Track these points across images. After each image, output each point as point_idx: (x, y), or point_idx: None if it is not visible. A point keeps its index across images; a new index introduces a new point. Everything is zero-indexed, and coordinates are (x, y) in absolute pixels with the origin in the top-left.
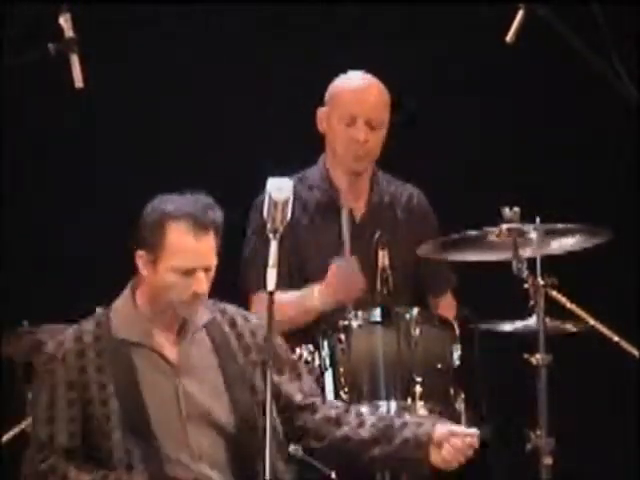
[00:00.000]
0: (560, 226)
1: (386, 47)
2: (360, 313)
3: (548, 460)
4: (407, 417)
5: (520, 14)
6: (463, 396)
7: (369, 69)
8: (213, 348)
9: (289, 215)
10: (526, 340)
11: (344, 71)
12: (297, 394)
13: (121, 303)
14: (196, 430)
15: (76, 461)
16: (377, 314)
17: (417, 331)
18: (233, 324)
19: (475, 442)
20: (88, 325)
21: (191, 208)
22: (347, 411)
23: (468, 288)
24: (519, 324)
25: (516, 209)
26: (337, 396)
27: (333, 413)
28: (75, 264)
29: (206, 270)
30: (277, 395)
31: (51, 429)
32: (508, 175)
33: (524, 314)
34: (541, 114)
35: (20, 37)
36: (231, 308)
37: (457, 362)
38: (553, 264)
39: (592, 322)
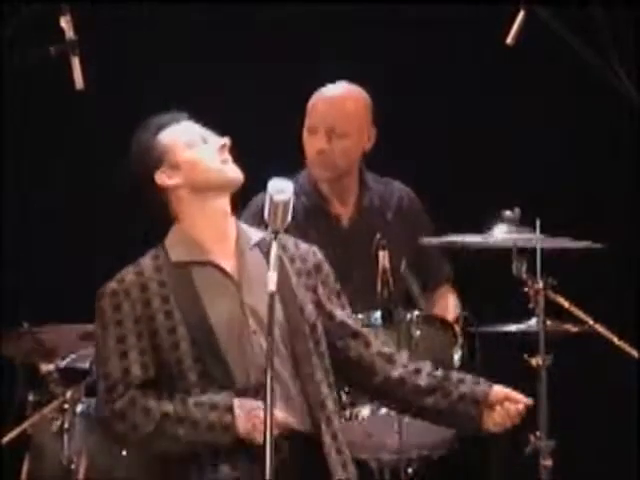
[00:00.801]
0: (560, 228)
1: (386, 47)
2: (360, 315)
3: (548, 462)
4: (463, 374)
5: (520, 16)
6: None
7: (368, 69)
8: (267, 265)
9: (290, 216)
10: (526, 342)
11: (343, 73)
12: (350, 320)
13: (171, 235)
14: (261, 344)
15: (153, 392)
16: (378, 316)
17: (417, 333)
18: (284, 248)
19: (523, 410)
20: (146, 260)
21: (163, 119)
22: (398, 352)
23: (468, 290)
24: (519, 326)
25: (516, 210)
26: (338, 397)
27: (387, 350)
28: (75, 264)
29: (212, 135)
30: (331, 320)
31: (124, 363)
32: (508, 176)
33: (524, 316)
34: (541, 114)
35: (21, 39)
36: (282, 234)
37: (457, 364)
38: (553, 266)
39: (592, 323)
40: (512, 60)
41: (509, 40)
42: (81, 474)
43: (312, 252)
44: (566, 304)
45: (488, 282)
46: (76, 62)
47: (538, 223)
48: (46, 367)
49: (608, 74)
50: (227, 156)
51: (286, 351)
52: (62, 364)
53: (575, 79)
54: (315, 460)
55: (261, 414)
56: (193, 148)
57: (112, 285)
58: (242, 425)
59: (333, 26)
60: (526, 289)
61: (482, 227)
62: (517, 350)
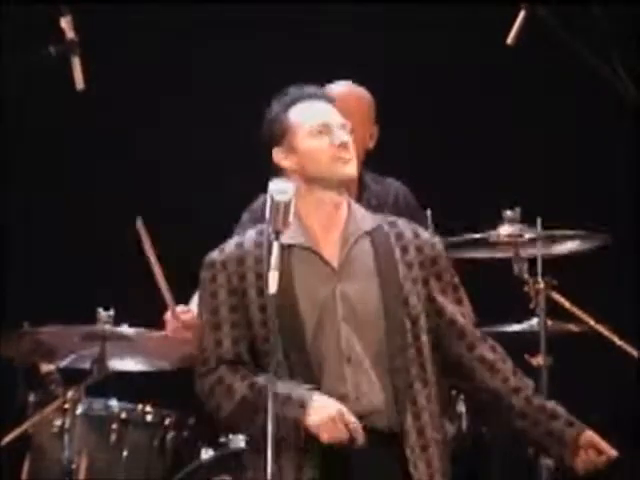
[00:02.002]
0: (560, 228)
1: (386, 47)
2: None
3: (548, 461)
4: (559, 408)
5: (521, 16)
6: (463, 398)
7: (368, 69)
8: (374, 255)
9: (291, 217)
10: (527, 341)
11: (343, 73)
12: (459, 316)
13: None
14: (348, 332)
15: (242, 370)
16: None
17: None
18: (400, 237)
19: (603, 462)
20: (250, 233)
21: (299, 92)
22: (504, 361)
23: (469, 290)
24: (520, 326)
25: (517, 210)
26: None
27: (491, 357)
28: (75, 265)
29: (342, 126)
30: (440, 315)
31: (217, 335)
32: (508, 176)
33: (525, 316)
34: (541, 114)
35: (21, 39)
36: (403, 222)
37: None
38: (553, 265)
39: (592, 323)
40: (512, 60)
41: (509, 40)
42: (81, 474)
43: (431, 244)
44: (567, 304)
45: (489, 282)
46: (76, 62)
47: (539, 222)
48: (46, 367)
49: (608, 73)
50: (344, 154)
51: (377, 342)
52: (62, 364)
53: (575, 79)
54: (397, 455)
55: (333, 412)
56: (314, 137)
57: (212, 255)
58: (311, 421)
59: (333, 26)
60: (527, 289)
61: (482, 227)
62: (518, 350)
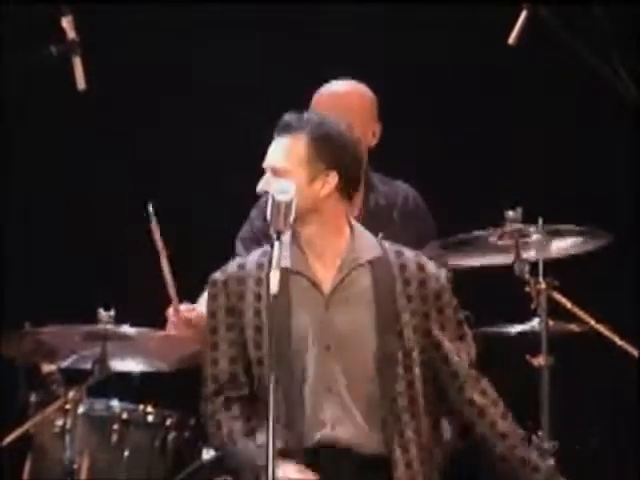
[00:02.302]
0: (562, 226)
1: (386, 47)
2: None
3: (550, 462)
4: (541, 462)
5: (522, 16)
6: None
7: (368, 69)
8: (372, 285)
9: (292, 217)
10: (528, 342)
11: (344, 72)
12: (455, 355)
13: (287, 236)
14: (331, 361)
15: (234, 408)
16: None
17: None
18: (404, 268)
19: None
20: (255, 254)
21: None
22: (495, 405)
23: (469, 290)
24: (521, 326)
25: (518, 210)
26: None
27: (480, 400)
28: (76, 265)
29: (270, 170)
30: (437, 350)
31: (213, 354)
32: (509, 176)
33: (527, 316)
34: (542, 114)
35: (22, 39)
36: (409, 253)
37: None
38: (555, 266)
39: (593, 323)
40: (512, 60)
41: (511, 40)
42: (83, 475)
43: (436, 277)
44: (568, 304)
45: (490, 282)
46: (77, 62)
47: (540, 222)
48: (48, 368)
49: (609, 73)
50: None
51: (364, 372)
52: (64, 365)
53: (576, 79)
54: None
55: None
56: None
57: (215, 275)
58: None
59: (333, 26)
60: (528, 289)
61: (484, 228)
62: (519, 350)
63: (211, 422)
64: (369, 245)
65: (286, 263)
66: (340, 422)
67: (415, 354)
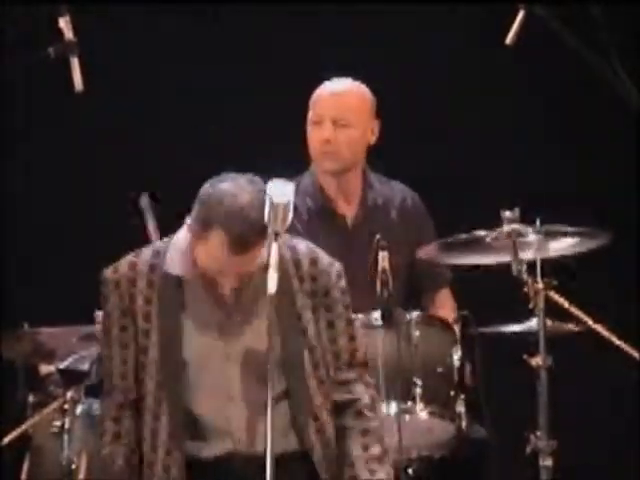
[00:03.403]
0: (559, 228)
1: (386, 47)
2: (360, 315)
3: (548, 462)
4: (358, 460)
5: (520, 16)
6: (463, 398)
7: (368, 70)
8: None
9: (290, 218)
10: (526, 342)
11: (343, 72)
12: (332, 356)
13: (180, 237)
14: (233, 369)
15: (124, 420)
16: (377, 316)
17: (417, 333)
18: (298, 265)
19: None
20: (147, 253)
21: (238, 224)
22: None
23: (468, 290)
24: (519, 326)
25: (516, 210)
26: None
27: (338, 397)
28: (75, 265)
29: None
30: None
31: (108, 352)
32: (508, 177)
33: (524, 316)
34: (541, 115)
35: (20, 40)
36: (303, 248)
37: (457, 364)
38: (553, 266)
39: (591, 324)
40: (512, 60)
41: (508, 40)
42: (81, 474)
43: (327, 273)
44: (566, 304)
45: (488, 283)
46: (75, 63)
47: (538, 223)
48: (46, 368)
49: (608, 73)
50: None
51: (269, 376)
52: (62, 365)
53: (575, 79)
54: (309, 470)
55: None
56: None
57: (107, 273)
58: None
59: (333, 26)
60: (526, 289)
61: (481, 229)
62: (517, 350)
63: (101, 427)
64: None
65: (177, 271)
66: (248, 430)
67: (320, 350)
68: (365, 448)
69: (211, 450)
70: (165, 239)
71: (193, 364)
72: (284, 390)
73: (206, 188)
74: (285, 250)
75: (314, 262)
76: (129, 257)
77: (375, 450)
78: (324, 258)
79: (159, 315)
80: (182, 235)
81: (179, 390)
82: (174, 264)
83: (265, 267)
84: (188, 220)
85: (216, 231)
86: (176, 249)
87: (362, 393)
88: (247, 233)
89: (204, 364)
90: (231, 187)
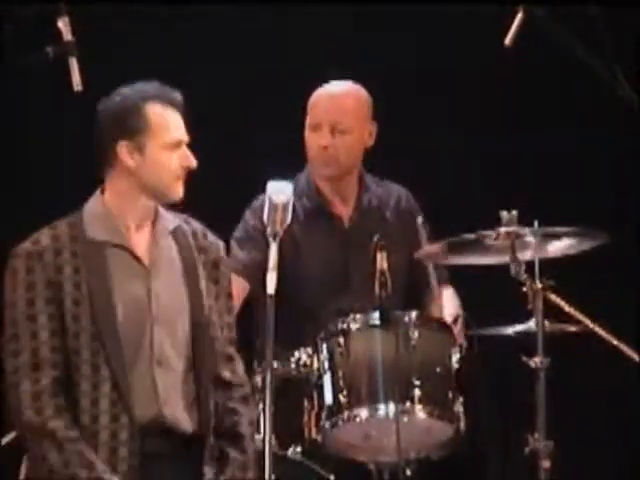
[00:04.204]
0: (557, 229)
1: (386, 47)
2: (359, 316)
3: (546, 463)
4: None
5: (519, 17)
6: (462, 399)
7: (367, 70)
8: (179, 254)
9: (289, 218)
10: (525, 343)
11: (343, 73)
12: (218, 329)
13: (92, 205)
14: (159, 333)
15: (65, 414)
16: (376, 317)
17: (416, 334)
18: (195, 236)
19: None
20: (62, 226)
21: (159, 89)
22: (242, 385)
23: (466, 291)
24: (518, 327)
25: (514, 212)
26: (336, 399)
27: (227, 375)
28: None
29: (187, 146)
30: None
31: (32, 327)
32: (506, 178)
33: (522, 317)
34: (540, 116)
35: (18, 40)
36: (193, 221)
37: (456, 365)
38: (551, 266)
39: (590, 325)
40: (512, 60)
41: (507, 41)
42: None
43: (216, 246)
44: (565, 305)
45: (486, 284)
46: (74, 64)
47: (536, 223)
48: None
49: (607, 75)
50: (183, 174)
51: (185, 343)
52: None
53: (574, 79)
54: (197, 456)
55: None
56: (167, 150)
57: (26, 246)
58: None
59: (333, 26)
60: (524, 290)
61: (480, 230)
62: (515, 351)
63: (26, 399)
64: (168, 216)
65: (102, 237)
66: (170, 396)
67: (215, 322)
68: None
69: (141, 416)
70: (71, 213)
71: (125, 326)
72: (191, 362)
73: (114, 104)
74: (181, 222)
75: (205, 235)
76: (45, 230)
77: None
78: (210, 232)
79: (88, 282)
80: (93, 204)
81: (118, 354)
82: (96, 231)
83: (169, 232)
84: (97, 192)
85: (151, 105)
86: (92, 217)
87: (244, 375)
88: (169, 92)
89: (133, 327)
90: (130, 86)
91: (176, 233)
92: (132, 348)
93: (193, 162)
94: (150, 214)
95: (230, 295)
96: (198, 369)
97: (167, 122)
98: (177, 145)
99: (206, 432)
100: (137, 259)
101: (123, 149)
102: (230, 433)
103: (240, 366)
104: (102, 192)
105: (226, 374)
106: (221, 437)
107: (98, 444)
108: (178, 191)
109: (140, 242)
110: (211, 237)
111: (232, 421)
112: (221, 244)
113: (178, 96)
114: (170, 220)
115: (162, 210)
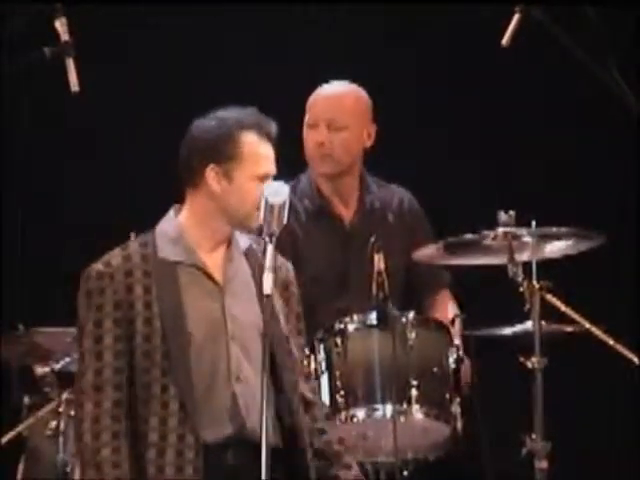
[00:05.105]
0: (555, 229)
1: (385, 47)
2: (356, 317)
3: (543, 464)
4: (351, 461)
5: (516, 17)
6: (459, 400)
7: (367, 70)
8: (252, 275)
9: (285, 219)
10: (522, 344)
11: (343, 73)
12: (295, 349)
13: (166, 226)
14: (236, 350)
15: (124, 405)
16: (373, 318)
17: (413, 335)
18: (264, 257)
19: None
20: (134, 245)
21: (256, 118)
22: (319, 406)
23: (464, 292)
24: (515, 328)
25: (511, 213)
26: (333, 400)
27: (309, 396)
28: (72, 267)
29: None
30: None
31: (98, 347)
32: (504, 179)
33: (520, 318)
34: (538, 117)
35: (16, 40)
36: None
37: (453, 366)
38: (549, 267)
39: (587, 325)
40: (512, 60)
41: (504, 41)
42: (76, 476)
43: (286, 267)
44: (562, 307)
45: (484, 284)
46: (71, 64)
47: (534, 224)
48: (41, 370)
49: (604, 74)
50: (260, 206)
51: (260, 360)
52: (57, 367)
53: (572, 79)
54: (282, 471)
55: None
56: (253, 181)
57: (98, 267)
58: None
59: (333, 26)
60: (522, 290)
61: (478, 231)
62: (513, 352)
63: (87, 421)
64: (241, 236)
65: (175, 257)
66: (252, 410)
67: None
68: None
69: (217, 433)
70: (144, 233)
71: (197, 346)
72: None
73: (209, 128)
74: (254, 243)
75: (274, 255)
76: (117, 251)
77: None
78: (280, 254)
79: (159, 301)
80: (167, 224)
81: (187, 373)
82: (168, 251)
83: (242, 253)
84: (171, 212)
85: (247, 133)
86: (165, 238)
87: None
88: (265, 121)
89: (209, 345)
90: (229, 110)
91: (248, 253)
92: (208, 365)
93: (272, 198)
94: (226, 238)
95: (300, 316)
96: (280, 386)
97: (260, 154)
98: (265, 177)
99: (292, 446)
100: (211, 278)
101: (211, 173)
102: (327, 453)
103: (316, 385)
104: (177, 212)
105: (308, 394)
106: (318, 458)
107: (165, 463)
108: (256, 221)
109: (214, 262)
110: (280, 258)
111: (323, 441)
112: (290, 265)
113: (274, 127)
114: (243, 240)
115: (237, 233)
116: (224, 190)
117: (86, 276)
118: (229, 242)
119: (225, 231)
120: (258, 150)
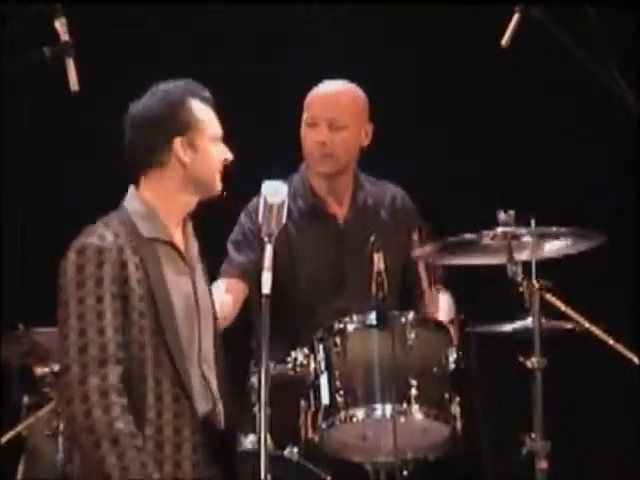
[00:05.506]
0: (555, 229)
1: (385, 47)
2: (355, 316)
3: (543, 464)
4: None
5: (516, 17)
6: (458, 400)
7: (367, 69)
8: (200, 254)
9: (284, 218)
10: (521, 343)
11: (343, 73)
12: None
13: (133, 204)
14: (202, 330)
15: (126, 379)
16: (372, 317)
17: (412, 334)
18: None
19: None
20: (115, 223)
21: (193, 85)
22: None
23: (463, 291)
24: (514, 327)
25: (511, 212)
26: (332, 400)
27: None
28: None
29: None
30: None
31: (100, 323)
32: (504, 178)
33: (519, 317)
34: (538, 117)
35: (16, 40)
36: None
37: (452, 366)
38: (548, 267)
39: (587, 325)
40: (512, 60)
41: (504, 42)
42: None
43: None
44: (562, 306)
45: (483, 284)
46: (70, 64)
47: (533, 223)
48: (41, 370)
49: (604, 74)
50: (221, 168)
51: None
52: (57, 367)
53: (572, 79)
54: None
55: None
56: (213, 144)
57: (94, 242)
58: None
59: (333, 26)
60: (521, 290)
61: (477, 230)
62: (512, 352)
63: (94, 396)
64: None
65: (152, 234)
66: (216, 391)
67: None
68: None
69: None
70: (110, 213)
71: (181, 320)
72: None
73: (161, 103)
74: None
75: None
76: (101, 229)
77: None
78: None
79: (148, 278)
80: (135, 203)
81: (178, 351)
82: (145, 229)
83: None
84: (133, 192)
85: (194, 101)
86: (139, 215)
87: None
88: (202, 88)
89: (188, 320)
90: (165, 84)
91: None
92: (187, 344)
93: (230, 155)
94: (188, 211)
95: None
96: (220, 366)
97: (210, 116)
98: (220, 139)
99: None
100: (182, 256)
101: (179, 146)
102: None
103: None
104: (140, 189)
105: None
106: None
107: (164, 440)
108: (219, 184)
109: (179, 240)
110: None
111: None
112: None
113: (208, 92)
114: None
115: None
116: (192, 160)
117: (79, 249)
118: (185, 220)
119: (191, 204)
120: (208, 114)
